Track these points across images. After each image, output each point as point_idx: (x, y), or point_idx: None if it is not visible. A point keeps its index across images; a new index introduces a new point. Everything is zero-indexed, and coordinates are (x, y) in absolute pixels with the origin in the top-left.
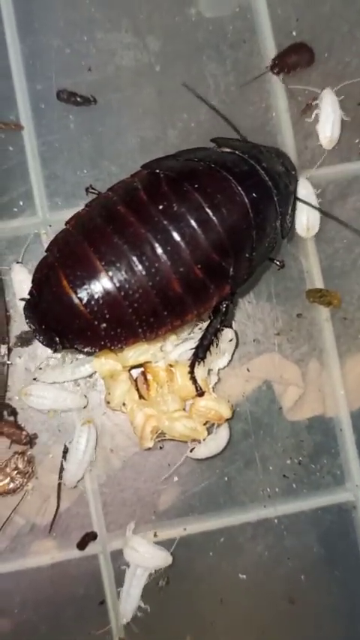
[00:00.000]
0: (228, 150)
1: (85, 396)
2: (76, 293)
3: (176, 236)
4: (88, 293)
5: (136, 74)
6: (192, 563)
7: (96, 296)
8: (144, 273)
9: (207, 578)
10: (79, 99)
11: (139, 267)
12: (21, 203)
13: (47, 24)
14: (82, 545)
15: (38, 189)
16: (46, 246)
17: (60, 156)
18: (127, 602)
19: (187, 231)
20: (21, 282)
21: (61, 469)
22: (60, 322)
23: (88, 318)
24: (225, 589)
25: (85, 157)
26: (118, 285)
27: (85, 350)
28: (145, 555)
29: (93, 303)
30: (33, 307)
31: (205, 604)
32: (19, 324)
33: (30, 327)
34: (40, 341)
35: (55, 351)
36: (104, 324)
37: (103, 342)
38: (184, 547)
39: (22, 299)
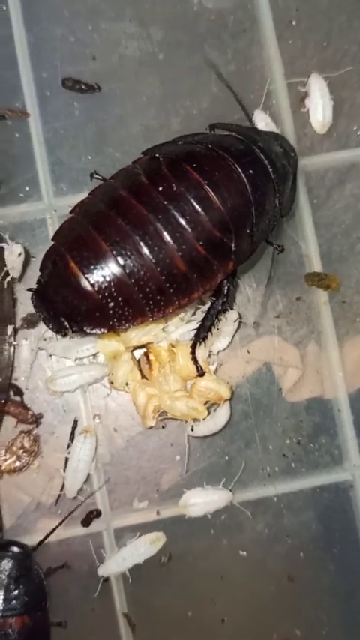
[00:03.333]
0: (225, 133)
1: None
2: (84, 274)
3: (177, 215)
4: (95, 273)
5: (140, 63)
6: (193, 541)
7: (104, 276)
8: (148, 252)
9: (208, 556)
10: (83, 87)
11: (143, 246)
12: (27, 189)
13: (52, 13)
14: (86, 522)
15: (44, 175)
16: (51, 230)
17: (65, 142)
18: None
19: (187, 210)
20: (15, 262)
21: (69, 445)
22: (69, 305)
23: (96, 298)
24: (225, 566)
25: (90, 143)
26: (123, 264)
27: (94, 331)
28: (208, 500)
29: (101, 282)
30: (41, 296)
31: (205, 581)
32: (25, 306)
33: (39, 315)
34: (50, 328)
35: (65, 335)
36: (112, 304)
37: (111, 323)
38: (185, 525)
39: (30, 289)
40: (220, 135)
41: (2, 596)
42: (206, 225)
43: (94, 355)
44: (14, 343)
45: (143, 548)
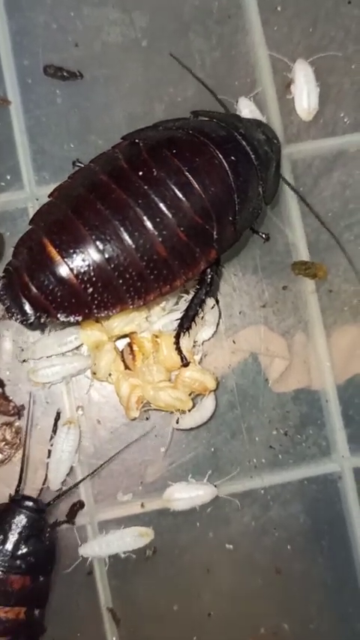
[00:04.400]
0: (206, 119)
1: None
2: (63, 257)
3: (157, 200)
4: (75, 258)
5: (123, 50)
6: (179, 534)
7: (83, 260)
8: (128, 237)
9: (193, 549)
10: (65, 74)
11: (123, 231)
12: (8, 177)
13: (34, 0)
14: (71, 514)
15: (25, 163)
16: None
17: (47, 130)
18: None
19: (168, 195)
20: None
21: (51, 437)
22: (44, 292)
23: (74, 283)
24: (211, 559)
25: (73, 131)
26: (103, 249)
27: (68, 319)
28: (192, 495)
29: (80, 267)
30: (9, 282)
31: (191, 574)
32: None
33: (3, 304)
34: (13, 317)
35: (30, 325)
36: (91, 289)
37: (88, 310)
38: (170, 517)
39: None
40: (202, 121)
41: (9, 551)
42: (187, 212)
43: (77, 347)
44: None
45: (129, 537)
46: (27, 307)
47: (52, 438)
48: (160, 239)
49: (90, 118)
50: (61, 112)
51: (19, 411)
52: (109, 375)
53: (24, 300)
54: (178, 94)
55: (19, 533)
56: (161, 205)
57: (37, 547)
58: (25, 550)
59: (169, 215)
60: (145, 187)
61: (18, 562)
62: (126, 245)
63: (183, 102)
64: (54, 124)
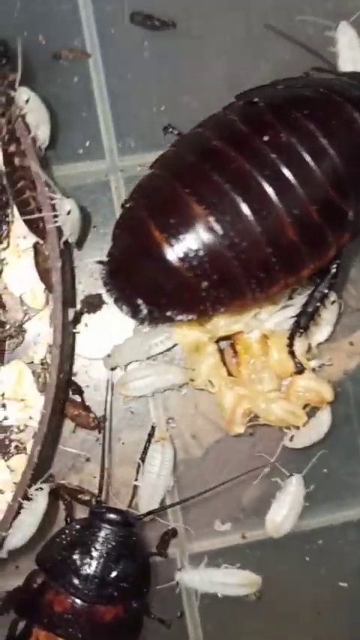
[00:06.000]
0: (332, 76)
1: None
2: (170, 244)
3: (287, 171)
4: (186, 244)
5: None
6: (284, 570)
7: (196, 247)
8: (251, 216)
9: (302, 587)
10: (156, 22)
11: (246, 208)
12: (87, 144)
13: None
14: (162, 544)
15: (106, 128)
16: (115, 195)
17: (132, 90)
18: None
19: (299, 165)
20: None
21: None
22: (150, 285)
23: (186, 275)
24: (323, 600)
25: (162, 91)
26: (221, 231)
27: (179, 317)
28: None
29: (192, 255)
30: (113, 271)
31: (299, 617)
32: (84, 285)
33: (111, 295)
34: (124, 312)
35: (142, 322)
36: (206, 283)
37: (203, 306)
38: (274, 550)
39: (100, 261)
40: (330, 78)
41: (97, 577)
42: (322, 185)
43: (170, 349)
44: (75, 331)
45: (233, 580)
46: (137, 301)
47: (143, 456)
48: (289, 219)
49: (183, 75)
50: (149, 67)
51: (99, 423)
52: (209, 382)
53: (131, 293)
54: (286, 51)
55: (107, 554)
56: (291, 177)
57: (129, 569)
58: (115, 574)
59: (301, 190)
60: (273, 155)
61: (108, 590)
62: (249, 227)
63: (291, 60)
64: (140, 81)
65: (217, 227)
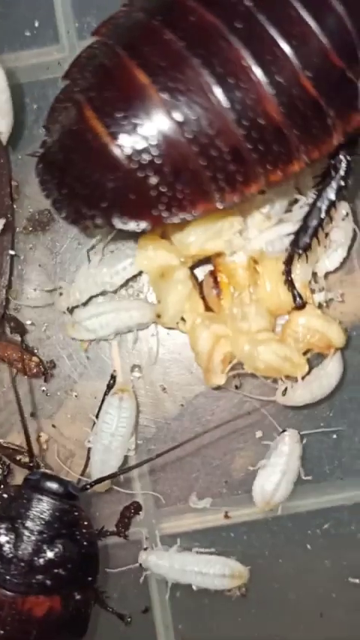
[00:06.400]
0: None
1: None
2: (109, 128)
3: (268, 25)
4: (130, 131)
5: None
6: (280, 560)
7: (142, 133)
8: (217, 87)
9: (301, 583)
10: None
11: (209, 77)
12: (36, 24)
13: None
14: (122, 523)
15: (63, 5)
16: None
17: None
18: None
19: (286, 16)
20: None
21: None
22: (89, 183)
23: (130, 169)
24: (327, 599)
25: None
26: (176, 111)
27: (127, 226)
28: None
29: (137, 144)
30: (47, 164)
31: (295, 620)
32: (32, 200)
33: (47, 196)
34: (61, 215)
35: (85, 229)
36: (155, 178)
37: (155, 211)
38: (268, 536)
39: (31, 154)
40: None
41: (26, 561)
42: (318, 46)
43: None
44: (11, 253)
45: (212, 570)
46: (77, 204)
47: (98, 412)
48: (272, 92)
49: None
50: None
51: (46, 371)
52: (181, 319)
53: (70, 192)
54: None
55: (40, 532)
56: (274, 33)
57: (69, 552)
58: (49, 557)
59: (289, 51)
60: (248, 4)
61: (40, 577)
62: (213, 101)
63: None
64: None
65: (171, 104)
